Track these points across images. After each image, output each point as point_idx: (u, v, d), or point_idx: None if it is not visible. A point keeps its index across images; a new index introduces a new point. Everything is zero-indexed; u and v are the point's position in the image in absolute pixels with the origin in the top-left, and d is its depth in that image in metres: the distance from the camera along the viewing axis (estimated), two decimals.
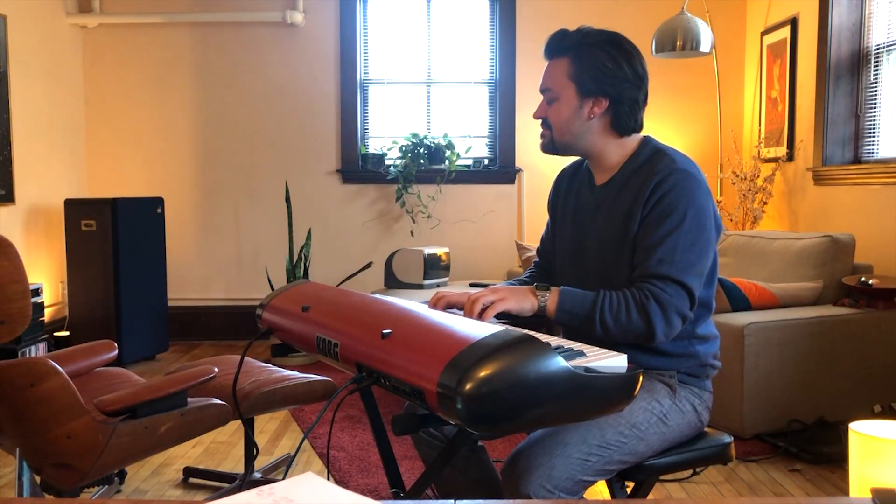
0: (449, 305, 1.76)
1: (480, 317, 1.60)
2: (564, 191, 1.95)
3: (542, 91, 1.81)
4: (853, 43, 4.12)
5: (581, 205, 1.87)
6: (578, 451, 1.56)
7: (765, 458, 3.01)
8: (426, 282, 4.26)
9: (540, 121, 1.84)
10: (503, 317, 1.70)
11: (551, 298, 1.64)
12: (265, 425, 3.48)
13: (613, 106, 1.76)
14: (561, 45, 1.77)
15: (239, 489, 2.68)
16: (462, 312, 1.66)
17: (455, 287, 4.26)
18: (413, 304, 1.51)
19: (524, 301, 1.63)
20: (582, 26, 1.79)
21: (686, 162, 1.73)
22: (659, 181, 1.68)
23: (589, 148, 1.81)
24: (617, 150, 1.80)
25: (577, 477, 1.55)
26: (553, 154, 1.87)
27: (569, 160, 1.99)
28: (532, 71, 5.22)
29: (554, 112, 1.79)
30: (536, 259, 2.08)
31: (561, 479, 1.53)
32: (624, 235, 1.72)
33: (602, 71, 1.73)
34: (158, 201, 4.81)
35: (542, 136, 1.84)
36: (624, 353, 1.34)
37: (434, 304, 1.77)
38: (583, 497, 1.62)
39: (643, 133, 1.84)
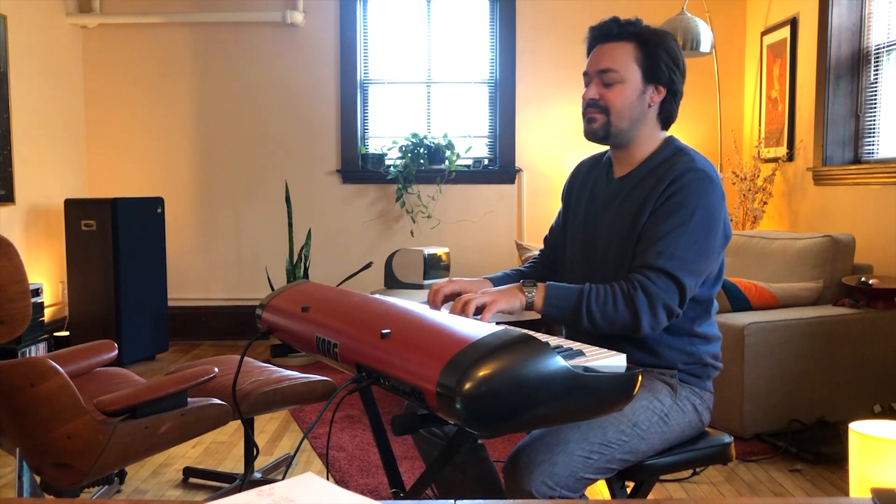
0: (447, 296, 1.77)
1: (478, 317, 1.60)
2: (581, 181, 1.95)
3: (600, 72, 1.75)
4: (853, 43, 4.11)
5: (595, 196, 1.87)
6: (580, 449, 1.57)
7: (765, 458, 3.01)
8: (426, 282, 4.26)
9: (586, 104, 1.78)
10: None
11: (538, 294, 1.64)
12: (265, 425, 3.48)
13: (668, 96, 1.77)
14: (624, 30, 1.76)
15: (239, 489, 2.68)
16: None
17: None
18: (413, 304, 1.51)
19: (513, 299, 1.64)
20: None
21: (705, 163, 1.74)
22: (675, 177, 1.69)
23: (636, 137, 1.79)
24: (647, 144, 1.80)
25: (578, 474, 1.56)
26: (598, 142, 1.82)
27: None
28: (532, 71, 5.22)
29: (616, 94, 1.75)
30: (541, 248, 2.08)
31: (563, 476, 1.53)
32: (634, 228, 1.72)
33: (670, 58, 1.75)
34: (158, 201, 4.81)
35: (593, 120, 1.78)
36: (623, 351, 1.34)
37: (433, 296, 1.77)
38: (583, 496, 1.62)
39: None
